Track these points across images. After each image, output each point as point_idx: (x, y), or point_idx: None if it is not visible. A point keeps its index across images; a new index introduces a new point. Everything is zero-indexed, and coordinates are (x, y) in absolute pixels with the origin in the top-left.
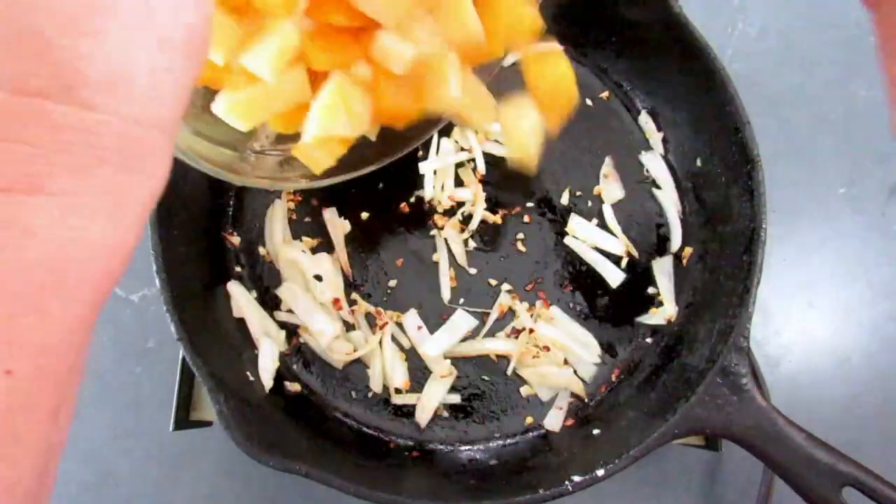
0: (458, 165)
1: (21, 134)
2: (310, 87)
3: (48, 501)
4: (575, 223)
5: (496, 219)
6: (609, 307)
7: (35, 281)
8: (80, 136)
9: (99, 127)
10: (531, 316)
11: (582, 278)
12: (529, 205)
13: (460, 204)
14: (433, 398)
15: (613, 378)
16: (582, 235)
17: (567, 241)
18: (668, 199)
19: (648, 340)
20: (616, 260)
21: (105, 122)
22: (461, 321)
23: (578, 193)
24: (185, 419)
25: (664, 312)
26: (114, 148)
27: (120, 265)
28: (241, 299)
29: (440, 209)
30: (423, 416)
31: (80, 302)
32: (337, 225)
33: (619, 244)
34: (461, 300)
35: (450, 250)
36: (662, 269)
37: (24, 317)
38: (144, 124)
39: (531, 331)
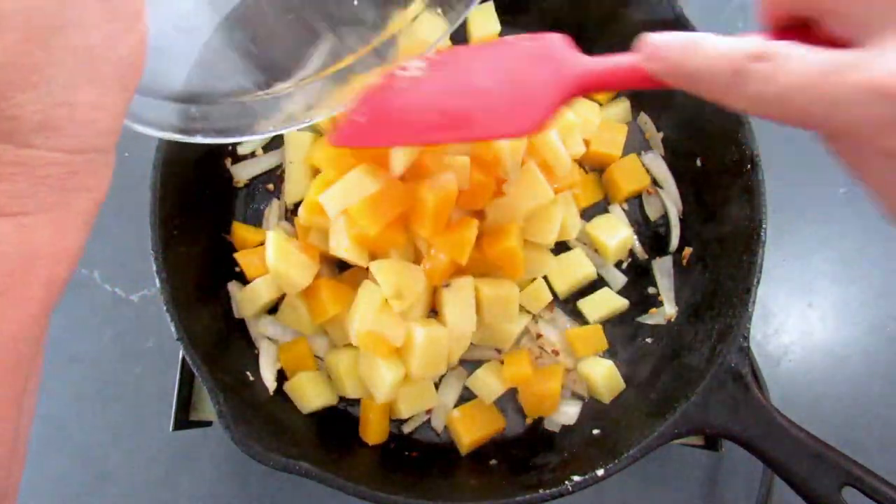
0: None
1: None
2: None
3: (18, 484)
4: None
5: None
6: None
7: None
8: (21, 169)
9: (36, 160)
10: (532, 317)
11: None
12: None
13: None
14: (448, 399)
15: None
16: None
17: None
18: (669, 199)
19: (648, 340)
20: (617, 262)
21: (41, 157)
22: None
23: None
24: (185, 419)
25: (664, 312)
26: (53, 175)
27: (66, 268)
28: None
29: None
30: (439, 423)
31: (33, 301)
32: None
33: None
34: None
35: None
36: (662, 269)
37: None
38: (84, 151)
39: (539, 335)
